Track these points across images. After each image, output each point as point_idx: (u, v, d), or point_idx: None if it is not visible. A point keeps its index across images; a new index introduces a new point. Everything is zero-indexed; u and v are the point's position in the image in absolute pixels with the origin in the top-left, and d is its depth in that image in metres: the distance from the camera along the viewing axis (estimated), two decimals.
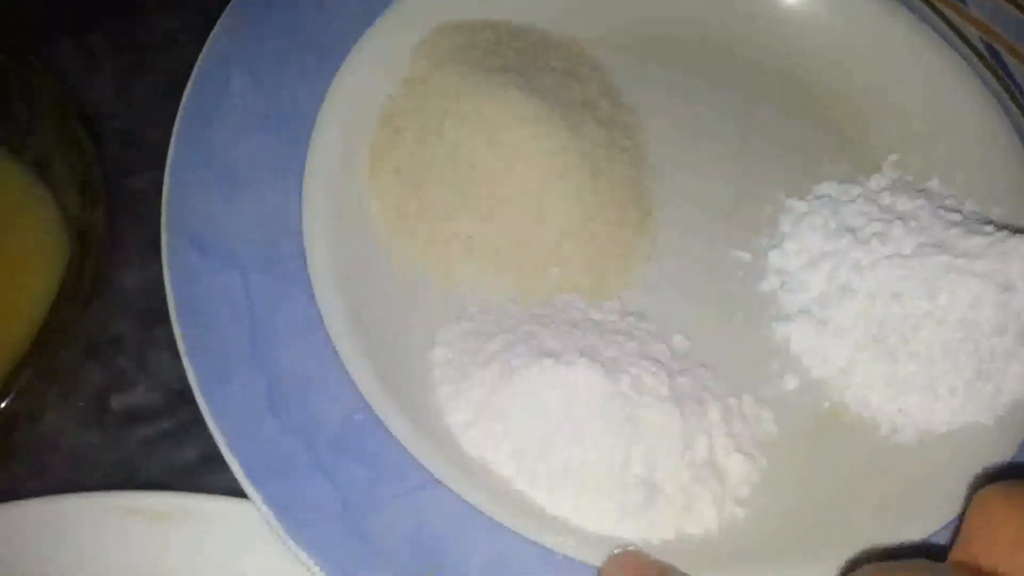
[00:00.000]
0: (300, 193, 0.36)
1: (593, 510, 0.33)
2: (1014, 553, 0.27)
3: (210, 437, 0.36)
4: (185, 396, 0.37)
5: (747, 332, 0.39)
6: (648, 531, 0.33)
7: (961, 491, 0.35)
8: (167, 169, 0.34)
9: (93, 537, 0.31)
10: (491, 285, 0.38)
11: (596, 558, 0.32)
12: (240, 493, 0.32)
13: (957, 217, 0.39)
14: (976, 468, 0.36)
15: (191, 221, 0.33)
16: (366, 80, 0.39)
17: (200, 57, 0.36)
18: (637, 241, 0.40)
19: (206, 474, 0.35)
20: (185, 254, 0.33)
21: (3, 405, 0.27)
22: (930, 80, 0.44)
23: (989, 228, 0.37)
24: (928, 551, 0.33)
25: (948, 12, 0.44)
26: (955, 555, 0.30)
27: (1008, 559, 0.27)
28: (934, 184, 0.42)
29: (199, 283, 0.32)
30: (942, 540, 0.34)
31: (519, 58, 0.42)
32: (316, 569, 0.29)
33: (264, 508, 0.30)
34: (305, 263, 0.35)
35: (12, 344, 0.30)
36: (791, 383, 0.38)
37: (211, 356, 0.32)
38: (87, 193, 0.30)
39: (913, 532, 0.34)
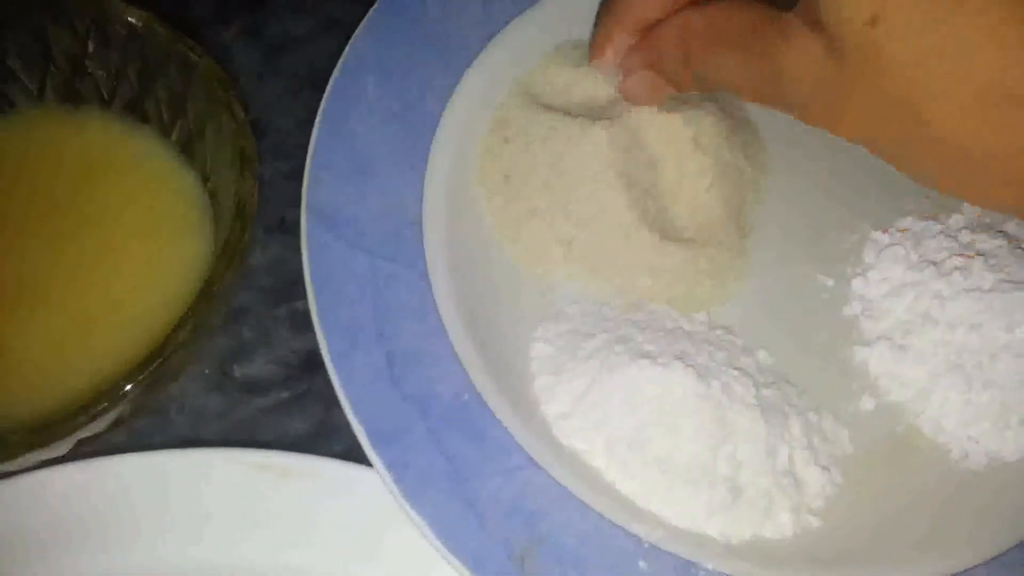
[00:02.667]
0: (421, 188, 0.38)
1: (679, 505, 0.35)
2: None
3: (321, 410, 0.39)
4: (301, 369, 0.40)
5: (828, 353, 0.41)
6: (728, 530, 0.35)
7: None
8: (308, 158, 0.37)
9: (221, 488, 0.33)
10: (586, 287, 0.40)
11: (681, 549, 0.34)
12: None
13: None
14: None
15: (327, 206, 0.36)
16: (485, 90, 0.42)
17: (342, 58, 0.39)
18: (731, 262, 0.42)
19: (316, 444, 0.38)
20: (321, 235, 0.35)
21: (161, 360, 0.29)
22: None
23: None
24: None
25: None
26: None
27: None
28: (1011, 226, 0.43)
29: (331, 262, 0.35)
30: (1004, 564, 0.36)
31: None
32: (428, 531, 0.31)
33: (383, 471, 0.32)
34: (423, 252, 0.37)
35: (169, 305, 0.33)
36: (868, 404, 0.40)
37: (340, 328, 0.34)
38: (243, 162, 0.32)
39: (976, 555, 0.36)
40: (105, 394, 0.29)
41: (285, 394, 0.39)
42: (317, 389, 0.39)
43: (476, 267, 0.39)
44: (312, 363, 0.39)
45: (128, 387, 0.29)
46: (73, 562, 0.32)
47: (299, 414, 0.38)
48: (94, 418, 0.28)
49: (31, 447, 0.29)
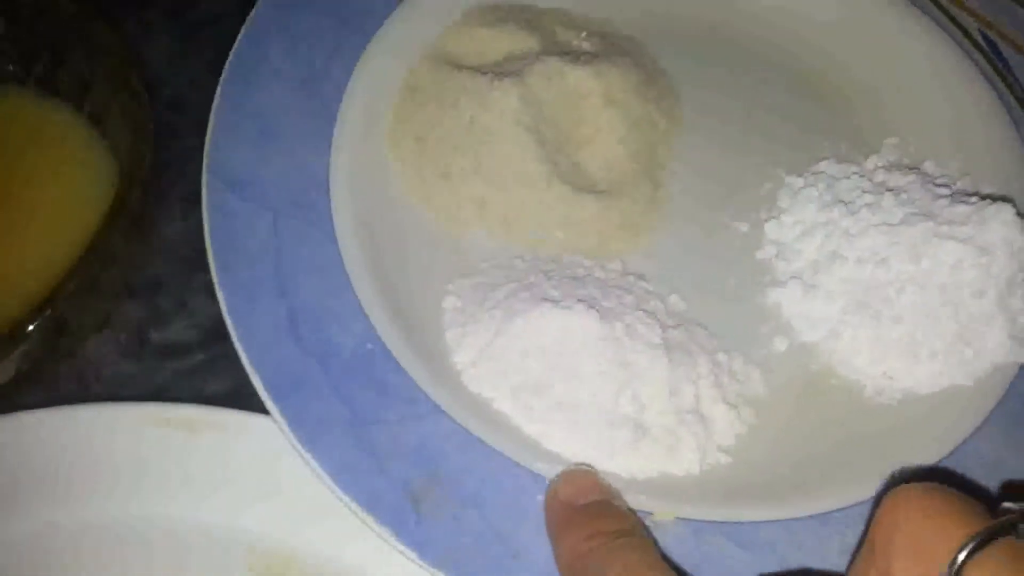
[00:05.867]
0: (328, 150, 0.39)
1: (583, 445, 0.35)
2: (908, 561, 0.26)
3: (237, 372, 0.39)
4: (218, 334, 0.40)
5: (741, 296, 0.41)
6: (634, 468, 0.35)
7: (941, 450, 0.37)
8: (211, 120, 0.38)
9: (131, 442, 0.34)
10: (501, 243, 0.41)
11: None
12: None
13: (946, 191, 0.40)
14: (955, 427, 0.37)
15: (229, 168, 0.37)
16: (393, 54, 0.42)
17: (245, 24, 0.40)
18: (644, 213, 0.42)
19: (233, 404, 0.38)
20: (222, 195, 0.36)
21: (49, 312, 0.30)
22: (929, 69, 0.46)
23: (974, 199, 0.39)
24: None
25: (948, 5, 0.47)
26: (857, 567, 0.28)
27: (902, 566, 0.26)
28: (928, 165, 0.44)
29: (232, 221, 0.36)
30: None
31: (547, 41, 0.44)
32: (322, 474, 0.32)
33: (280, 420, 0.33)
34: (330, 211, 0.38)
35: (61, 262, 0.34)
36: (781, 345, 0.40)
37: (239, 284, 0.35)
38: (138, 132, 0.33)
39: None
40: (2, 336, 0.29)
41: (201, 357, 0.39)
42: (233, 352, 0.39)
43: (387, 227, 0.40)
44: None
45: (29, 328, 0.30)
46: None
47: (215, 376, 0.39)
48: None
49: None
